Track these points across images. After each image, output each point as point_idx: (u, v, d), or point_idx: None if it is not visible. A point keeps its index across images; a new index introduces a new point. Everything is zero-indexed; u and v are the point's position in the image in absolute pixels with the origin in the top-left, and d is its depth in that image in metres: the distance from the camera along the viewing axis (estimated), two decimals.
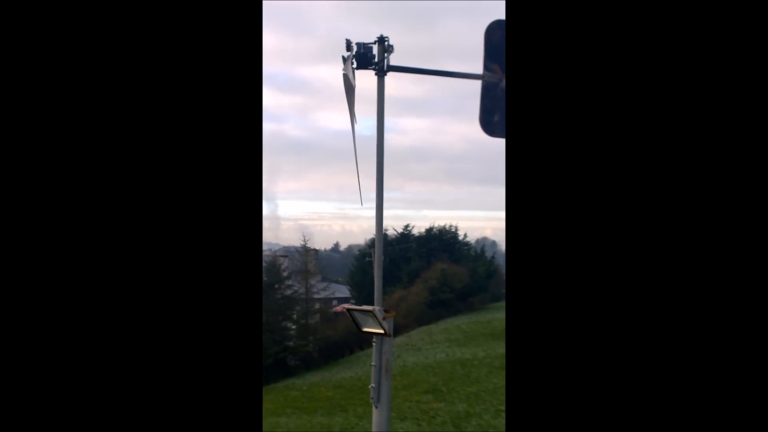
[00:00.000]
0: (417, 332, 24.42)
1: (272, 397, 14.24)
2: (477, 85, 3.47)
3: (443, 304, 30.83)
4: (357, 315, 3.35)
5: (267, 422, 10.49)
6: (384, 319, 3.23)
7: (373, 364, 3.36)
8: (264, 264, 25.36)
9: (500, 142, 3.44)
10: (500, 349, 16.01)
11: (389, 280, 31.87)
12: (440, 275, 31.55)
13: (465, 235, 40.37)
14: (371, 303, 3.37)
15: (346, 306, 3.49)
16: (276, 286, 25.64)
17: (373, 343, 3.36)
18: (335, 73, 3.27)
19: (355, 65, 3.29)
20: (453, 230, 39.62)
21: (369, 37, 3.31)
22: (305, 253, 29.54)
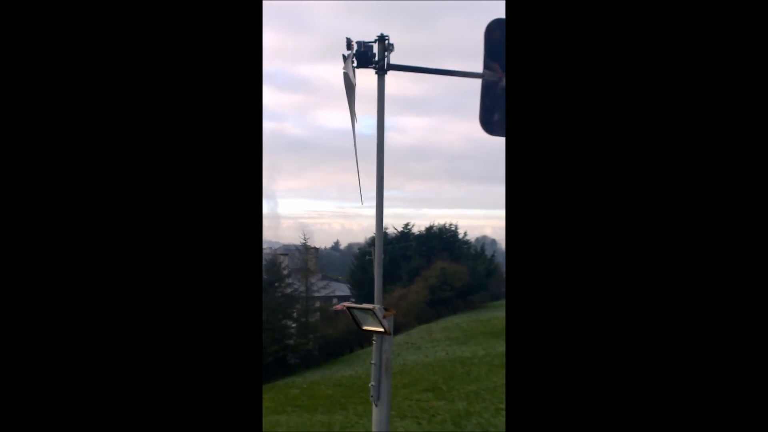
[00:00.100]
0: (417, 330, 24.43)
1: (272, 396, 14.25)
2: (477, 83, 3.47)
3: (443, 303, 30.83)
4: (357, 313, 3.36)
5: (267, 420, 10.50)
6: (384, 317, 3.24)
7: (373, 362, 3.36)
8: (264, 262, 25.36)
9: (500, 141, 3.44)
10: (500, 347, 16.02)
11: (389, 278, 31.86)
12: (440, 274, 31.55)
13: (465, 234, 40.42)
14: (371, 301, 3.37)
15: (347, 304, 3.49)
16: (276, 284, 25.63)
17: (373, 342, 3.36)
18: (335, 71, 3.27)
19: (355, 64, 3.29)
20: (453, 229, 39.64)
21: (369, 35, 3.31)
22: (305, 251, 29.54)
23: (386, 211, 3.49)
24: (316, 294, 28.52)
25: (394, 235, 38.27)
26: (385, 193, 3.38)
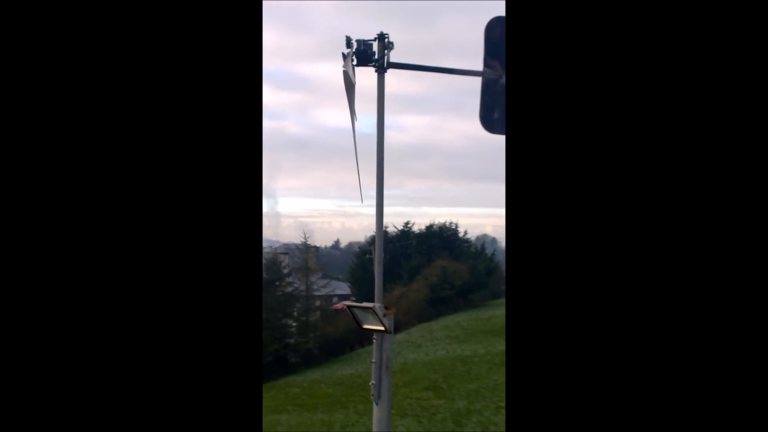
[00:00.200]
0: (417, 329, 24.43)
1: (273, 395, 14.25)
2: (477, 81, 3.46)
3: (443, 301, 30.83)
4: (357, 312, 3.35)
5: (268, 419, 10.51)
6: (384, 316, 3.23)
7: (373, 361, 3.36)
8: (265, 261, 25.37)
9: (500, 139, 3.43)
10: (500, 345, 16.02)
11: (389, 277, 31.86)
12: (440, 272, 31.55)
13: (465, 232, 40.40)
14: (371, 300, 3.36)
15: (347, 303, 3.49)
16: (277, 283, 25.63)
17: (374, 340, 3.36)
18: (335, 70, 3.26)
19: (355, 62, 3.28)
20: (453, 227, 39.64)
21: (369, 34, 3.30)
22: (306, 250, 29.53)
23: (386, 210, 3.48)
24: (317, 293, 28.52)
25: (394, 233, 38.26)
26: (386, 192, 3.38)
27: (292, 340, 23.81)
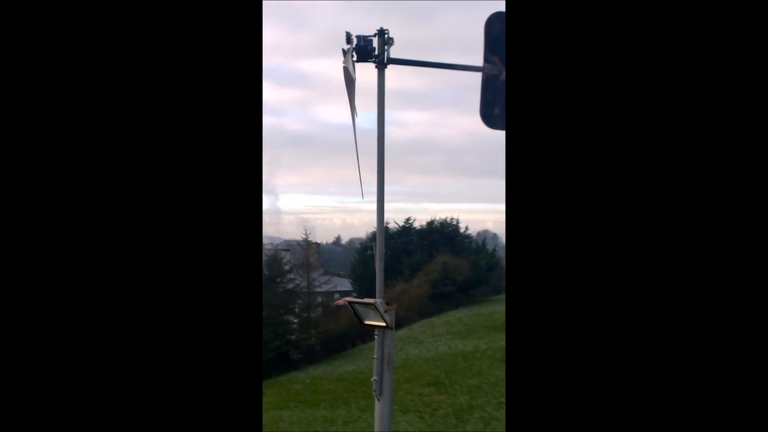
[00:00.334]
0: (419, 325, 24.45)
1: (275, 391, 14.28)
2: (477, 77, 3.46)
3: (445, 297, 30.86)
4: (359, 308, 3.36)
5: (270, 415, 10.53)
6: (386, 311, 3.24)
7: (375, 357, 3.36)
8: (266, 258, 25.40)
9: (501, 134, 3.44)
10: (502, 341, 16.02)
11: (391, 273, 31.90)
12: (442, 268, 31.56)
13: (466, 228, 40.43)
14: (373, 296, 3.37)
15: (348, 299, 3.49)
16: (278, 279, 25.66)
17: (375, 336, 3.37)
18: (335, 66, 3.26)
19: (355, 58, 3.28)
20: (454, 223, 39.66)
21: (369, 30, 3.30)
22: (307, 246, 29.56)
23: (387, 206, 3.48)
24: (318, 289, 28.57)
25: (395, 229, 38.26)
26: (386, 188, 3.38)
27: (293, 337, 23.86)
